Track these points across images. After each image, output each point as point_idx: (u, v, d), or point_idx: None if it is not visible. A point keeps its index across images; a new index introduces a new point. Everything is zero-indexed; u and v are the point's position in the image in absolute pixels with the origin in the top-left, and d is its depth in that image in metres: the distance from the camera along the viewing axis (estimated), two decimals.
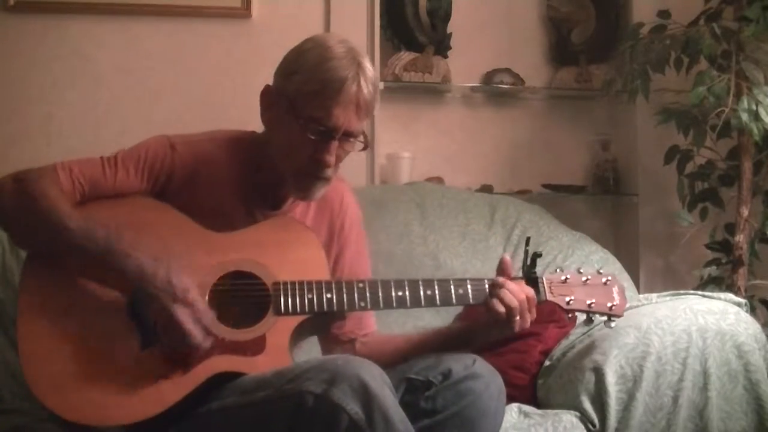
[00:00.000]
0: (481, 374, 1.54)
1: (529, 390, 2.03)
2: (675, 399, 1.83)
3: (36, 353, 1.49)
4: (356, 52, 1.60)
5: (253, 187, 1.69)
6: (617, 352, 1.86)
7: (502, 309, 1.57)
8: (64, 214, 1.53)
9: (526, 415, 1.84)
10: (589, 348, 1.93)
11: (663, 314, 1.92)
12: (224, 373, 1.52)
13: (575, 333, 2.07)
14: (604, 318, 1.66)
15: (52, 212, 1.52)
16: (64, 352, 1.49)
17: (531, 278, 1.64)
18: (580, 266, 1.73)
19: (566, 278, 1.66)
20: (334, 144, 1.58)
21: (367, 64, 1.59)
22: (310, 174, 1.61)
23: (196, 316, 1.49)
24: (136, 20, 2.79)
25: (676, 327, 1.88)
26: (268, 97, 1.65)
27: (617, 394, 1.83)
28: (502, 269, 1.64)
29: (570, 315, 1.67)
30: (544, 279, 1.65)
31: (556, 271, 1.69)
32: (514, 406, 1.86)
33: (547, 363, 2.04)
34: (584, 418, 1.83)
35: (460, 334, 1.71)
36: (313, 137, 1.57)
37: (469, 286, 1.61)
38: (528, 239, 1.75)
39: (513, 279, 1.62)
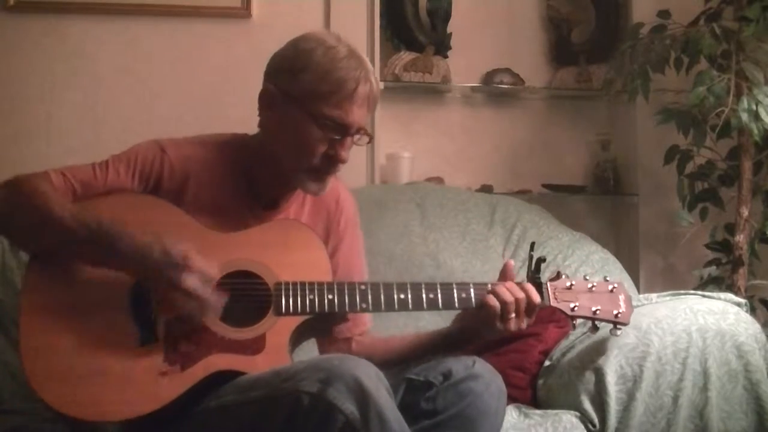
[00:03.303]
0: (481, 374, 1.54)
1: (529, 390, 2.03)
2: (675, 399, 1.83)
3: (36, 348, 1.49)
4: (354, 47, 1.65)
5: (245, 188, 1.69)
6: (617, 352, 1.86)
7: (495, 303, 1.58)
8: (56, 204, 1.52)
9: (526, 415, 1.84)
10: (589, 348, 1.93)
11: (663, 314, 1.92)
12: (223, 372, 1.52)
13: (575, 333, 2.06)
14: (610, 326, 1.66)
15: (44, 205, 1.51)
16: (63, 347, 1.49)
17: (535, 283, 1.63)
18: (586, 273, 1.72)
19: (571, 284, 1.65)
20: (350, 140, 1.63)
21: (367, 59, 1.65)
22: (324, 170, 1.64)
23: (203, 278, 1.49)
24: (136, 20, 2.79)
25: (676, 327, 1.88)
26: (268, 97, 1.65)
27: (617, 394, 1.82)
28: (504, 275, 1.64)
29: (574, 322, 1.66)
30: (548, 284, 1.65)
31: (560, 275, 1.67)
32: (514, 407, 1.86)
33: (547, 363, 2.04)
34: (584, 418, 1.83)
35: (456, 334, 1.70)
36: (332, 136, 1.60)
37: (472, 291, 1.61)
38: (533, 244, 1.73)
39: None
